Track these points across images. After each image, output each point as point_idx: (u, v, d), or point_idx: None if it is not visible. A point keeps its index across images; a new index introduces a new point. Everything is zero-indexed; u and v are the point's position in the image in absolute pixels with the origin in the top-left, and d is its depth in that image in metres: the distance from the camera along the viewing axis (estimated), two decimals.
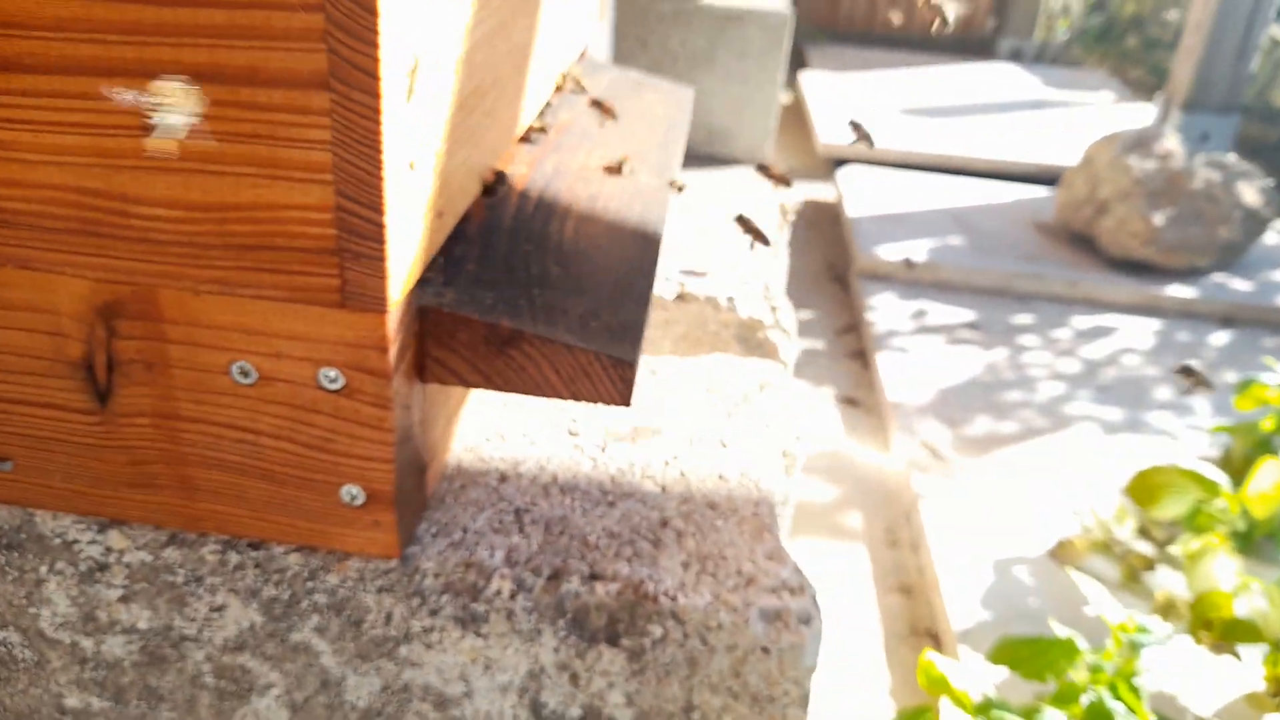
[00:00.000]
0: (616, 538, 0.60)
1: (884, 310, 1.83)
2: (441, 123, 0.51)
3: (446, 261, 0.58)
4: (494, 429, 0.70)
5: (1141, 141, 2.01)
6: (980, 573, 1.18)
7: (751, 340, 0.94)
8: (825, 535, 1.28)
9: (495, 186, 0.66)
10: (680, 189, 0.81)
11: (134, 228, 0.48)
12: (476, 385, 0.56)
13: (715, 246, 1.01)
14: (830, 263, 2.13)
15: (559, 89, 0.89)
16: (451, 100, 0.53)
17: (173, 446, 0.55)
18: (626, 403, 0.56)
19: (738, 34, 2.63)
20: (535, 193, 0.71)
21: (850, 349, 1.77)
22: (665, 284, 0.92)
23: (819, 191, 2.52)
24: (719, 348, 0.94)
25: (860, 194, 2.29)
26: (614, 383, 0.55)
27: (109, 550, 0.59)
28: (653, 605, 0.56)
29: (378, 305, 0.48)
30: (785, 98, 3.30)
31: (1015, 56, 3.99)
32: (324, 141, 0.44)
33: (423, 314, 0.54)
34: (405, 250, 0.48)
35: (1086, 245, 2.08)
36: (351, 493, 0.54)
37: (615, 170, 0.77)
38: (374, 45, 0.41)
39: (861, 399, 1.61)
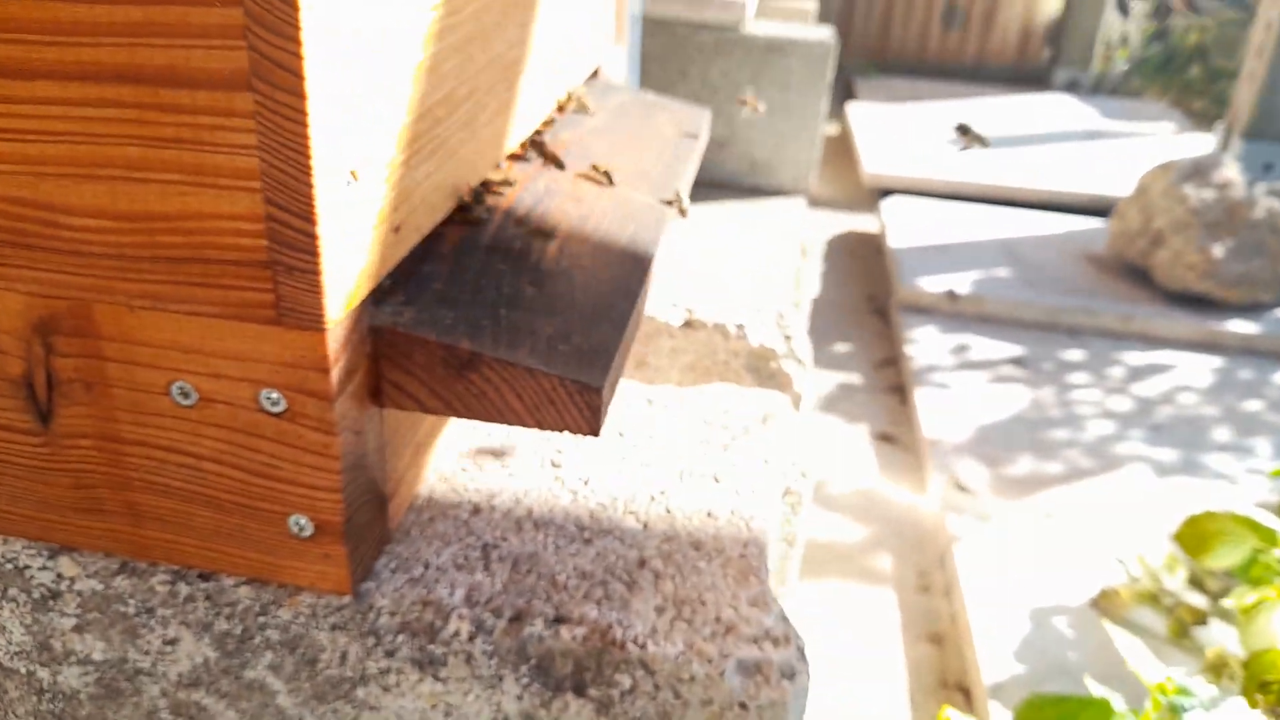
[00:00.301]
0: (588, 578, 0.56)
1: (925, 344, 1.76)
2: (396, 131, 0.48)
3: (411, 280, 0.55)
4: (471, 459, 0.66)
5: (1199, 170, 1.93)
6: (1016, 622, 1.11)
7: (763, 370, 0.90)
8: (852, 578, 1.22)
9: (473, 204, 0.63)
10: (683, 211, 0.77)
11: (64, 239, 0.45)
12: (436, 411, 0.53)
13: (731, 273, 0.97)
14: (871, 295, 2.07)
15: (563, 108, 0.86)
16: (410, 108, 0.50)
17: (117, 470, 0.52)
18: (595, 432, 0.52)
19: (780, 65, 2.60)
20: (522, 210, 0.67)
21: (888, 383, 1.71)
22: (673, 310, 0.88)
23: (862, 223, 2.47)
24: (728, 378, 0.89)
25: (904, 225, 2.23)
26: (580, 410, 0.51)
27: (60, 577, 0.57)
28: (620, 653, 0.52)
29: (314, 323, 0.44)
30: (830, 129, 3.26)
31: (1071, 87, 3.90)
32: (250, 146, 0.41)
33: (376, 334, 0.51)
34: (347, 265, 0.45)
35: (1141, 278, 1.99)
36: (299, 523, 0.51)
37: (603, 179, 0.73)
38: (296, 41, 0.38)
39: (898, 436, 1.55)
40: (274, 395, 0.47)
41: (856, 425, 1.57)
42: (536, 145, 0.77)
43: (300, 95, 0.39)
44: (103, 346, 0.48)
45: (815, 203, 2.64)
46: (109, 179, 0.43)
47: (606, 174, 0.75)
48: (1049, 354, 1.76)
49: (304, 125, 0.40)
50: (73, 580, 0.57)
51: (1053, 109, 3.42)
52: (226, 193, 0.42)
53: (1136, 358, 1.78)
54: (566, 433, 0.52)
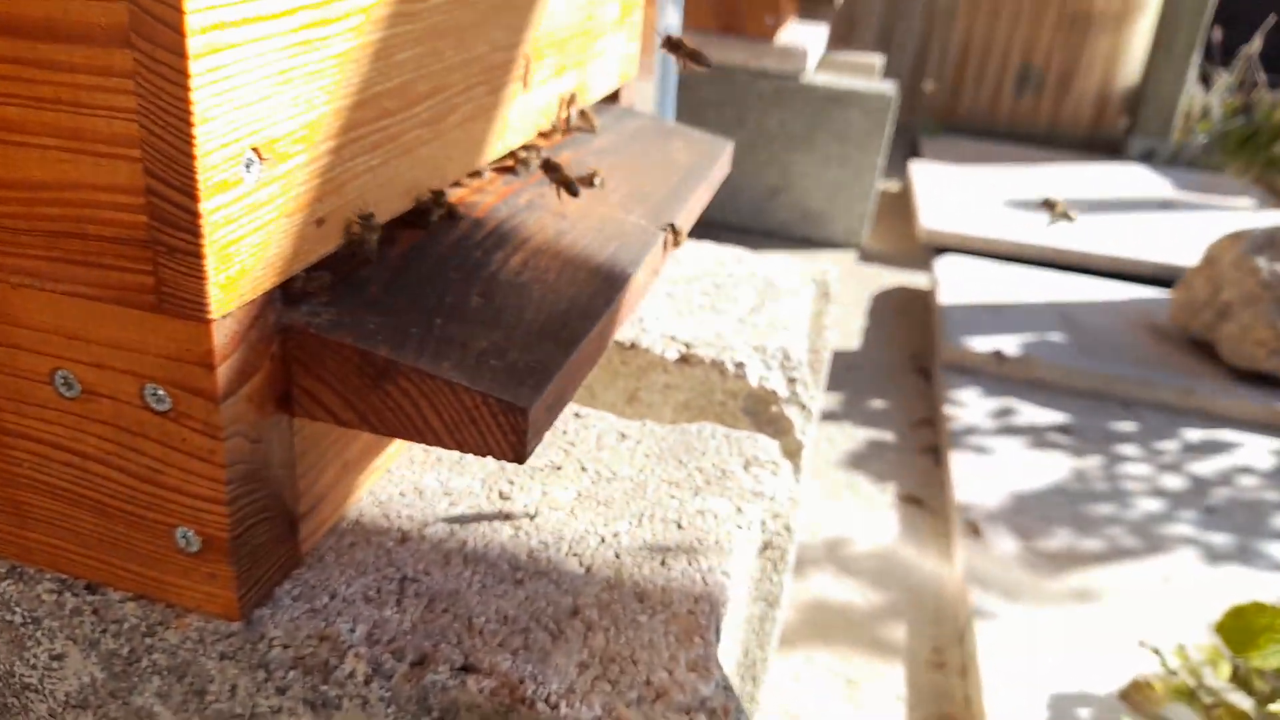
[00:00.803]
0: (509, 623, 0.50)
1: (966, 405, 1.67)
2: (321, 115, 0.44)
3: (345, 281, 0.50)
4: (414, 482, 0.61)
5: (1273, 241, 1.82)
6: (1036, 709, 1.01)
7: (762, 414, 0.83)
8: (861, 648, 1.13)
9: (430, 207, 0.58)
10: (677, 239, 0.72)
11: None
12: (350, 424, 0.48)
13: (742, 310, 0.91)
14: (915, 353, 1.99)
15: (568, 128, 0.82)
16: (343, 92, 0.46)
17: (1, 465, 0.48)
18: (519, 459, 0.46)
19: (839, 116, 2.55)
20: (494, 222, 0.63)
21: (923, 444, 1.62)
22: (669, 343, 0.83)
23: (914, 280, 2.39)
24: (724, 419, 0.83)
25: (958, 283, 2.15)
26: (504, 433, 0.45)
27: None
28: (529, 712, 0.46)
29: (197, 312, 0.40)
30: (891, 185, 3.19)
31: (1147, 158, 3.78)
32: (129, 110, 0.37)
33: (287, 334, 0.46)
34: (242, 251, 0.41)
35: (1205, 352, 1.88)
36: (186, 536, 0.46)
37: (586, 182, 0.69)
38: None
39: (927, 499, 1.46)
40: (159, 391, 0.43)
41: (883, 485, 1.49)
42: (522, 160, 0.72)
43: (182, 54, 0.35)
44: None
45: (868, 257, 2.57)
46: None
47: (591, 177, 0.70)
48: (1098, 424, 1.65)
49: (185, 89, 0.36)
50: None
51: (1126, 178, 3.31)
52: (106, 161, 0.38)
53: (1194, 434, 1.66)
54: (492, 458, 0.47)
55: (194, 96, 0.36)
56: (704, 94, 2.54)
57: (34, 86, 0.38)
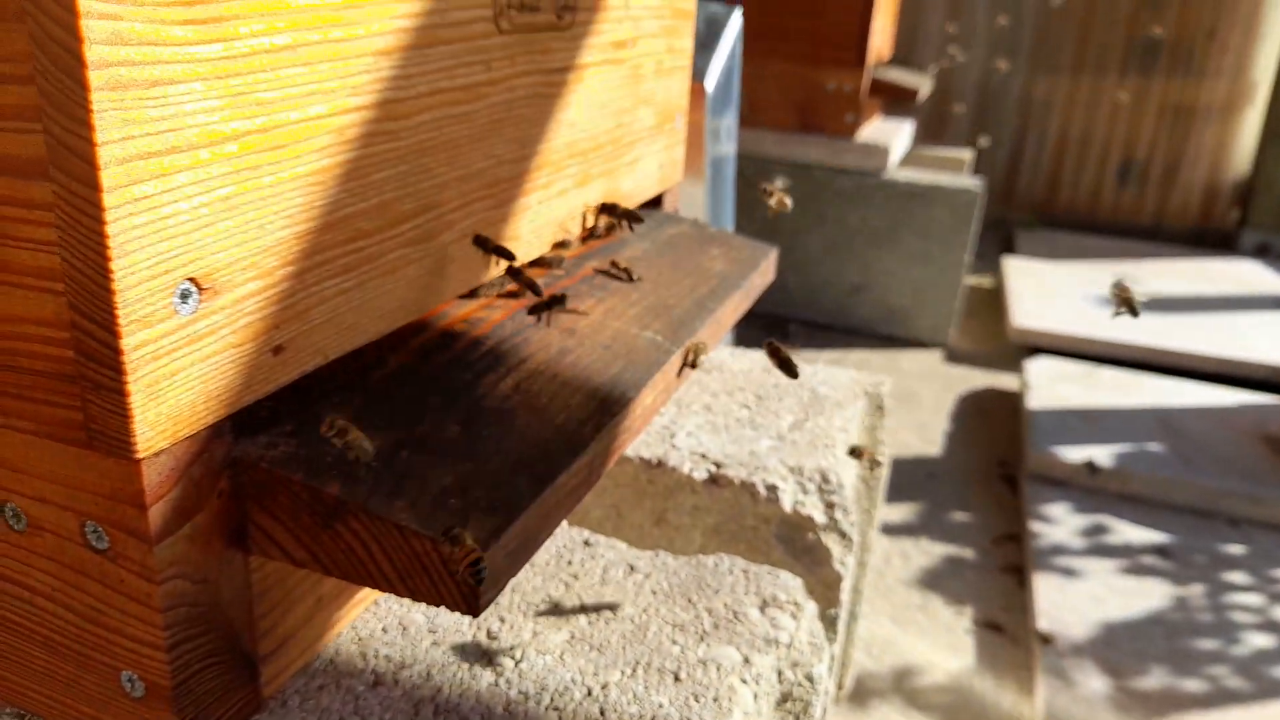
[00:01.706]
0: None
1: (1054, 521, 1.56)
2: (276, 236, 0.43)
3: (312, 409, 0.48)
4: (400, 616, 0.57)
5: None
6: None
7: (798, 542, 0.78)
8: None
9: (427, 327, 0.56)
10: (694, 358, 0.68)
11: None
12: (304, 565, 0.45)
13: (784, 425, 0.86)
14: (1001, 460, 1.88)
15: (594, 234, 0.80)
16: (302, 216, 0.44)
17: None
18: (473, 611, 0.42)
19: (923, 212, 2.50)
20: (494, 341, 0.60)
21: (1006, 562, 1.51)
22: (698, 462, 0.78)
23: (1003, 381, 2.28)
24: (757, 547, 0.78)
25: (1049, 386, 2.04)
26: (455, 584, 0.42)
27: None
28: None
29: (123, 449, 0.38)
30: (984, 281, 3.10)
31: (1261, 252, 3.59)
32: (50, 243, 0.36)
33: (239, 468, 0.44)
34: (177, 385, 0.39)
35: None
36: (131, 680, 0.44)
37: (622, 274, 0.67)
38: (87, 126, 0.33)
39: (1007, 625, 1.35)
40: (98, 529, 0.41)
41: (961, 608, 1.39)
42: (527, 283, 0.70)
43: (95, 187, 0.34)
44: None
45: (955, 356, 2.48)
46: None
47: (627, 270, 0.69)
48: (1202, 545, 1.52)
49: (100, 221, 0.34)
50: None
51: (1236, 274, 3.14)
52: (34, 294, 0.37)
53: None
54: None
55: (110, 230, 0.34)
56: None
57: None
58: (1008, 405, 2.14)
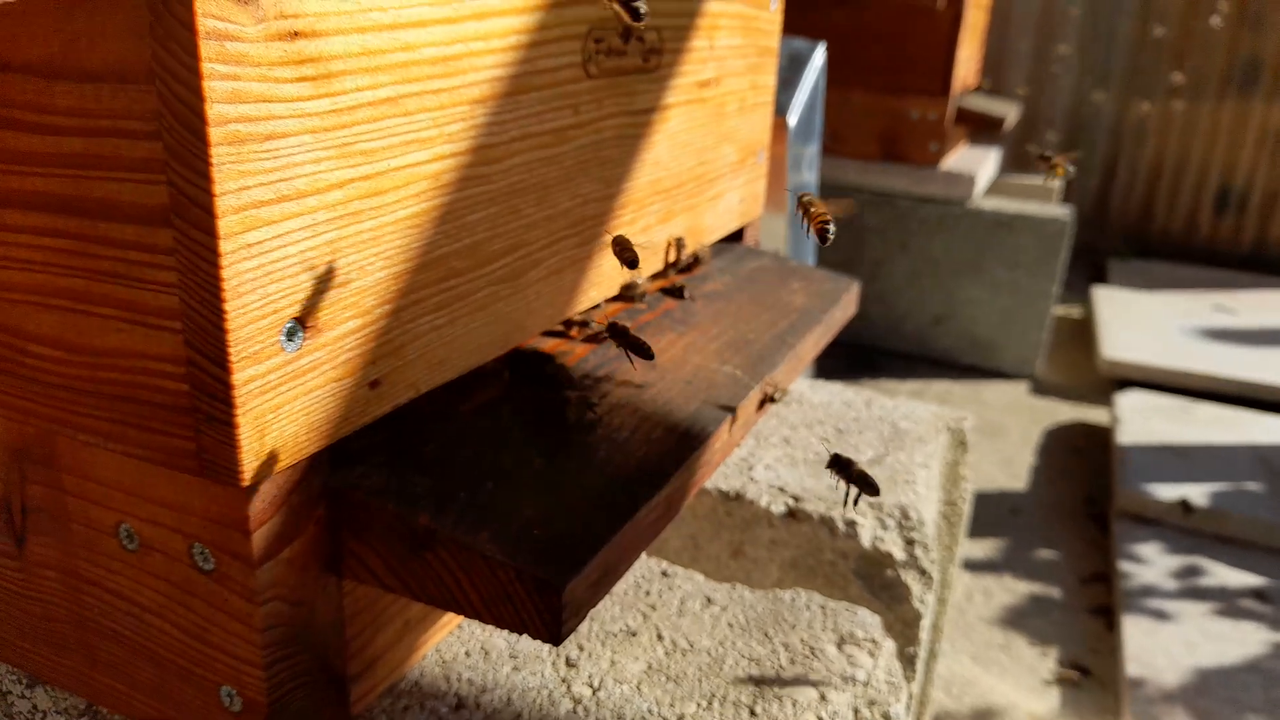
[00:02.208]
0: None
1: (1145, 561, 1.51)
2: (375, 278, 0.45)
3: (404, 440, 0.50)
4: (482, 641, 0.59)
5: None
6: None
7: (876, 578, 0.77)
8: None
9: (516, 362, 0.58)
10: (774, 394, 0.68)
11: (29, 366, 0.45)
12: (395, 591, 0.47)
13: (863, 461, 0.86)
14: (1091, 497, 1.83)
15: (677, 268, 0.81)
16: (400, 258, 0.46)
17: (76, 608, 0.50)
18: (555, 640, 0.44)
19: (1009, 241, 2.46)
20: (579, 374, 0.62)
21: (1093, 603, 1.47)
22: (777, 495, 0.79)
23: (1093, 415, 2.22)
24: (834, 582, 0.78)
25: (1141, 420, 1.98)
26: (538, 612, 0.43)
27: (35, 709, 0.55)
28: None
29: (231, 478, 0.40)
30: (1073, 311, 3.02)
31: None
32: (171, 285, 0.38)
33: (333, 497, 0.46)
34: (283, 418, 0.41)
35: None
36: (230, 695, 0.46)
37: (675, 293, 0.68)
38: (207, 179, 0.36)
39: (1095, 669, 1.31)
40: (205, 551, 0.43)
41: (1044, 649, 1.35)
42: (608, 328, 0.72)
43: (212, 234, 0.36)
44: (63, 479, 0.46)
45: (1042, 389, 2.42)
46: (60, 309, 0.42)
47: (679, 289, 0.70)
48: None
49: (216, 266, 0.37)
50: (45, 714, 0.54)
51: None
52: (155, 332, 0.40)
53: None
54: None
55: (224, 274, 0.37)
56: (865, 221, 2.51)
57: (96, 261, 0.40)
58: (1097, 440, 2.09)
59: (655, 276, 0.79)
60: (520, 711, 0.53)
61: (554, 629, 0.43)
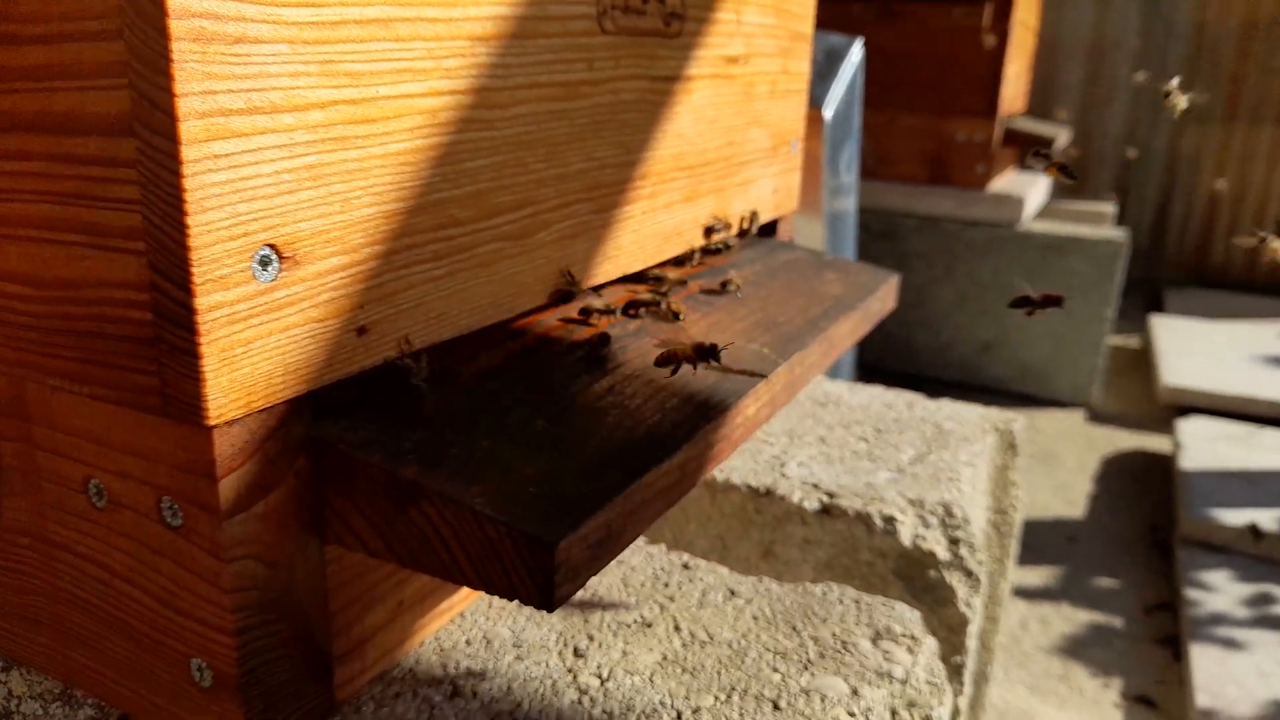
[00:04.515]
0: None
1: (1213, 589, 1.42)
2: (363, 213, 0.42)
3: (400, 397, 0.46)
4: (484, 630, 0.55)
5: None
6: None
7: (918, 579, 0.71)
8: None
9: (526, 328, 0.54)
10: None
11: None
12: (379, 554, 0.43)
13: (905, 459, 0.80)
14: (1154, 525, 1.74)
15: (706, 252, 0.77)
16: (394, 193, 0.43)
17: (49, 577, 0.47)
18: (547, 606, 0.39)
19: (1059, 264, 2.38)
20: (592, 346, 0.58)
21: (1159, 633, 1.38)
22: (810, 491, 0.74)
23: (1154, 443, 2.13)
24: (873, 585, 0.72)
25: (1205, 446, 1.88)
26: (529, 573, 0.39)
27: (10, 694, 0.52)
28: None
29: (194, 415, 0.37)
30: (1130, 342, 2.92)
31: None
32: (134, 201, 0.35)
33: (319, 450, 0.43)
34: (255, 353, 0.38)
35: None
36: (200, 669, 0.42)
37: (718, 289, 0.64)
38: (168, 76, 0.33)
39: (1161, 701, 1.22)
40: (174, 505, 0.40)
41: (1108, 680, 1.27)
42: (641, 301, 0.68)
43: (173, 139, 0.33)
44: (33, 431, 0.44)
45: (1099, 417, 2.33)
46: (27, 239, 0.39)
47: (725, 284, 0.66)
48: None
49: (178, 175, 0.34)
50: (20, 700, 0.51)
51: None
52: (118, 256, 0.37)
53: None
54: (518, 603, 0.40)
55: (187, 184, 0.34)
56: (909, 245, 2.46)
57: (60, 182, 0.37)
58: (1158, 467, 1.99)
59: (681, 265, 0.76)
60: (520, 700, 0.49)
61: (546, 592, 0.39)
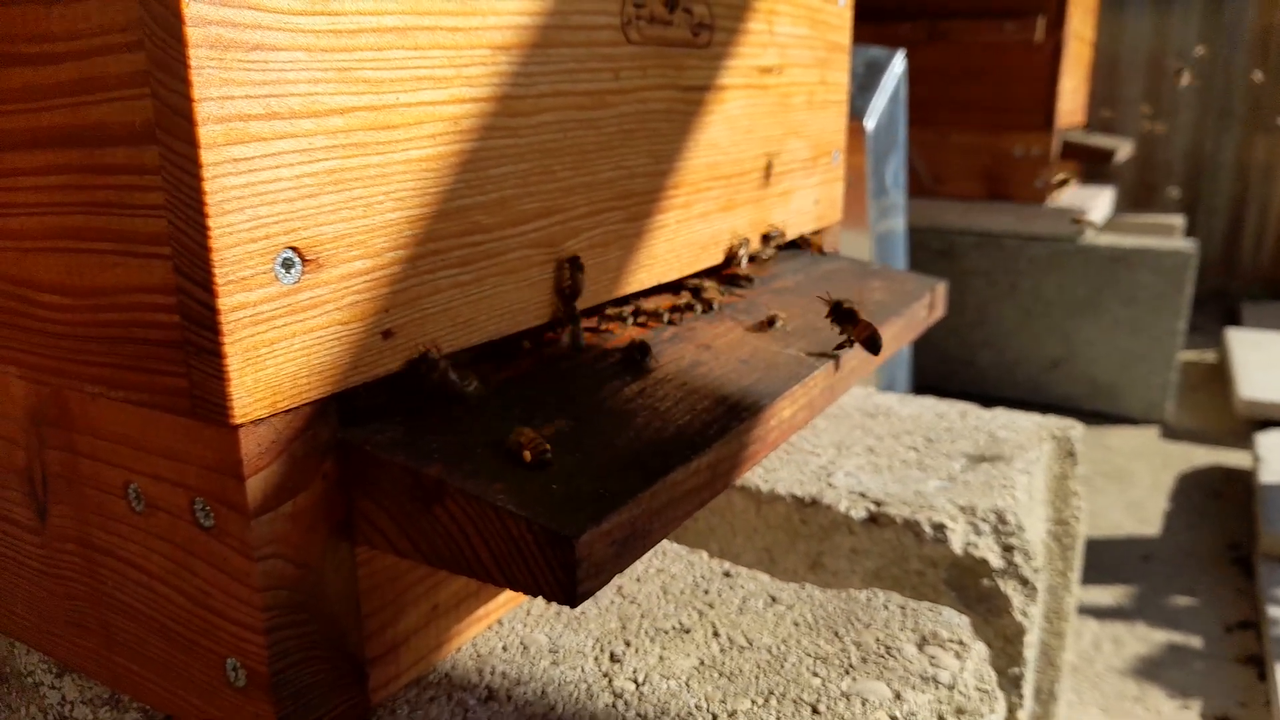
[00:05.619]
0: None
1: None
2: (386, 218, 0.42)
3: (428, 402, 0.47)
4: (521, 636, 0.55)
5: None
6: None
7: (971, 589, 0.69)
8: None
9: (554, 334, 0.55)
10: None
11: (37, 318, 0.44)
12: (405, 554, 0.43)
13: (956, 467, 0.79)
14: (1233, 541, 1.67)
15: (751, 264, 0.77)
16: (419, 199, 0.44)
17: (93, 582, 0.48)
18: (570, 601, 0.39)
19: (1126, 278, 2.32)
20: (624, 353, 0.58)
21: (1241, 652, 1.32)
22: (857, 500, 0.72)
23: (1232, 459, 2.05)
24: (923, 595, 0.70)
25: None
26: (551, 569, 0.39)
27: (64, 699, 0.53)
28: None
29: (220, 414, 0.38)
30: (1205, 357, 2.82)
31: None
32: (159, 207, 0.37)
33: (346, 452, 0.43)
34: (279, 354, 0.39)
35: None
36: (234, 668, 0.43)
37: (762, 328, 0.64)
38: (186, 83, 0.34)
39: None
40: (206, 506, 0.41)
41: (1188, 701, 1.21)
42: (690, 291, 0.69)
43: (193, 144, 0.35)
44: (75, 439, 0.45)
45: (1173, 434, 2.25)
46: (61, 250, 0.41)
47: (770, 320, 0.66)
48: None
49: (198, 179, 0.35)
50: (73, 705, 0.53)
51: None
52: (146, 262, 0.38)
53: None
54: (543, 600, 0.40)
55: (207, 187, 0.35)
56: (969, 262, 2.42)
57: (92, 192, 0.39)
58: (1237, 483, 1.91)
59: (720, 274, 0.75)
60: (555, 704, 0.48)
61: (569, 587, 0.39)
